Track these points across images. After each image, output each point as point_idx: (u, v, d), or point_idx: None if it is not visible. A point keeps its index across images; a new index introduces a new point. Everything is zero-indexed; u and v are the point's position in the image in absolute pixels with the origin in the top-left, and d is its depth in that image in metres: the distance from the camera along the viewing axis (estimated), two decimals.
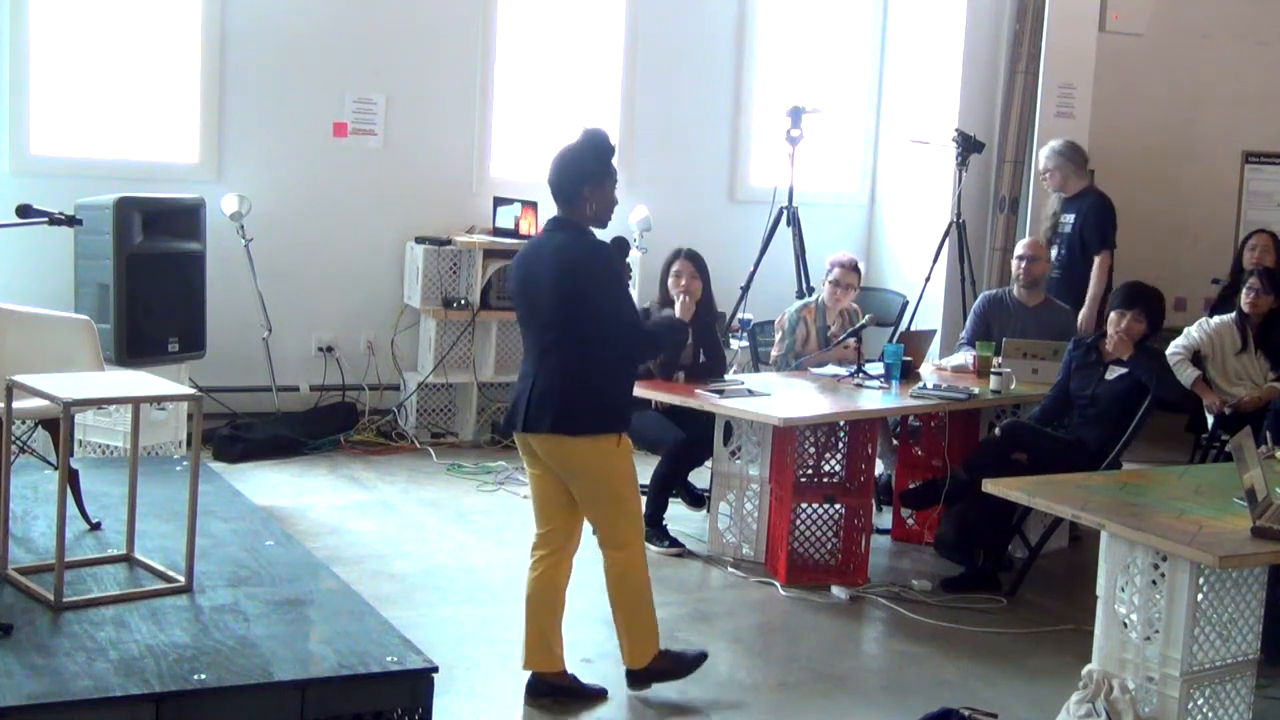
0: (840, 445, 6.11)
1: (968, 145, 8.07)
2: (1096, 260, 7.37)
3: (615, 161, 4.28)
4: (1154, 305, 5.84)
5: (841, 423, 5.98)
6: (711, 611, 5.37)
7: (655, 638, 4.42)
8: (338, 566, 5.01)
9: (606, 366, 4.22)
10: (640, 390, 6.04)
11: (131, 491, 4.38)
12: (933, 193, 8.63)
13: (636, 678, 4.42)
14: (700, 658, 4.54)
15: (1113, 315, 5.87)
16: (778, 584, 5.65)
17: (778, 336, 6.84)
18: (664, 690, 4.51)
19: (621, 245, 4.43)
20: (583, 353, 4.17)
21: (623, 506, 4.31)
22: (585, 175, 4.18)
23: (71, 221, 4.66)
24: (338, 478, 6.98)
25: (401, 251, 7.98)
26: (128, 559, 4.41)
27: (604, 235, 4.33)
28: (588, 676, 4.57)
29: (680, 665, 4.48)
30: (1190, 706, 3.98)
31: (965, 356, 6.78)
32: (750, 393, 5.87)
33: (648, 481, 6.21)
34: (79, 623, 3.85)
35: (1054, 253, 7.44)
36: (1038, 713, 4.43)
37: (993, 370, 6.29)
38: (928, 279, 8.12)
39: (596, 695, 4.40)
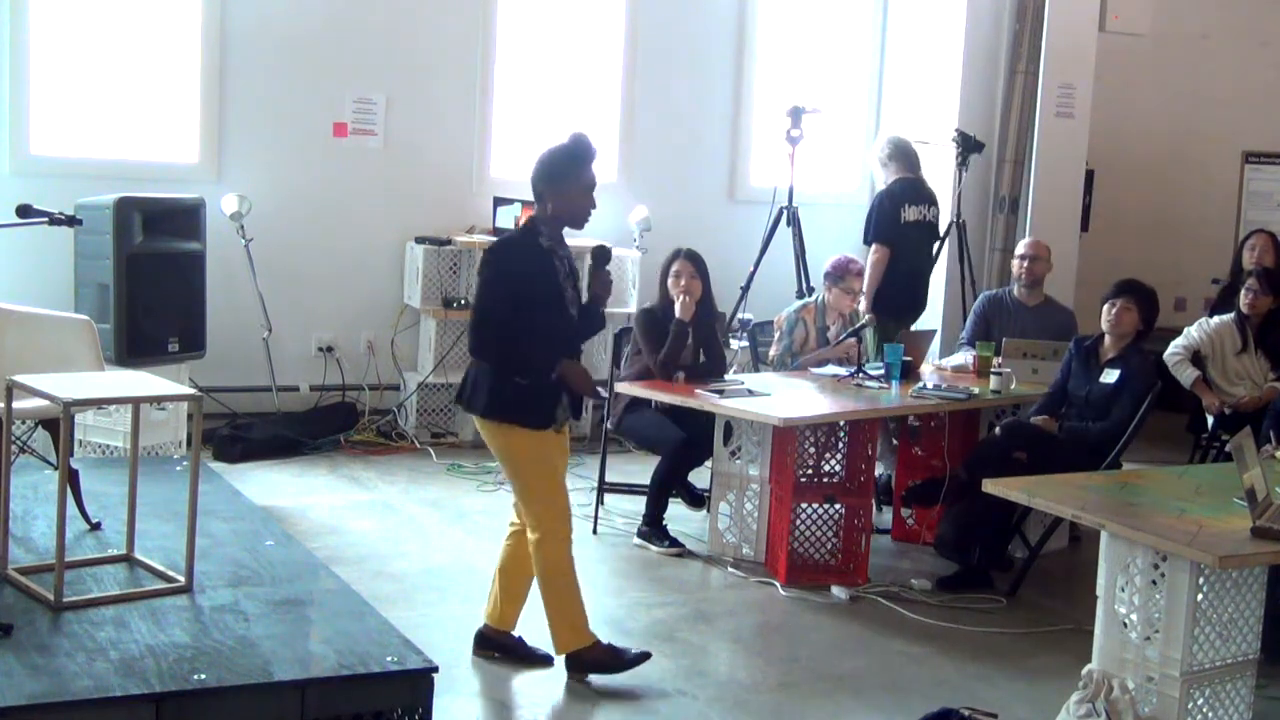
0: (840, 445, 6.11)
1: (968, 145, 8.08)
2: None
3: (596, 168, 4.36)
4: (1144, 296, 5.85)
5: (841, 423, 5.98)
6: (711, 611, 5.37)
7: (578, 629, 4.48)
8: (338, 566, 5.01)
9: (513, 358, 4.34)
10: (640, 390, 6.07)
11: (131, 491, 4.38)
12: None
13: (569, 664, 4.52)
14: (641, 657, 4.56)
15: (1105, 306, 5.89)
16: (778, 584, 5.65)
17: (775, 336, 6.84)
18: (665, 689, 4.52)
19: (602, 254, 4.49)
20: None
21: (530, 494, 4.42)
22: (546, 176, 4.33)
23: (71, 221, 4.66)
24: (338, 478, 6.98)
25: (401, 251, 7.98)
26: (128, 559, 4.40)
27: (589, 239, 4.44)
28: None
29: (617, 660, 4.52)
30: (1190, 706, 3.98)
31: (965, 356, 6.79)
32: (750, 393, 5.87)
33: (648, 481, 6.23)
34: (79, 623, 3.85)
35: None
36: (1038, 713, 4.43)
37: (993, 370, 6.29)
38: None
39: (541, 659, 4.59)
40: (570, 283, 4.42)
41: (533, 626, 4.67)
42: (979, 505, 5.39)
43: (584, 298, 4.52)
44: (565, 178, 4.31)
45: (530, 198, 4.46)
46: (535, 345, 4.31)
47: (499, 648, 4.61)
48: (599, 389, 4.53)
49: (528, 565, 4.52)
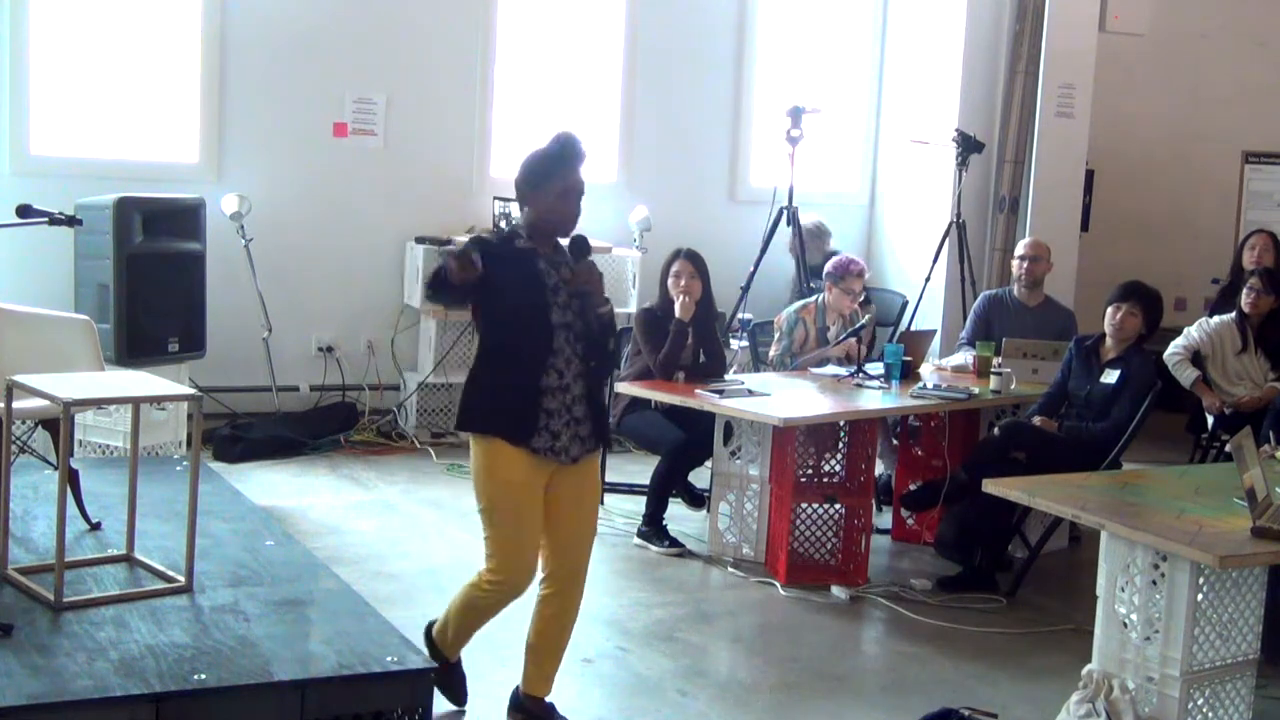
0: (840, 445, 6.11)
1: (968, 145, 8.08)
2: None
3: (585, 171, 3.97)
4: (1150, 302, 5.84)
5: (841, 423, 5.98)
6: (711, 611, 5.37)
7: (449, 648, 4.14)
8: (338, 566, 5.01)
9: (490, 360, 3.95)
10: (640, 390, 6.07)
11: (131, 491, 4.38)
12: (933, 193, 8.63)
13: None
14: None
15: (1109, 310, 5.88)
16: (778, 584, 5.65)
17: (775, 336, 6.84)
18: (665, 689, 4.52)
19: (580, 245, 4.00)
20: (481, 347, 4.00)
21: (491, 533, 3.96)
22: (527, 178, 3.96)
23: (71, 221, 4.66)
24: (338, 478, 6.98)
25: (401, 251, 7.98)
26: (128, 559, 4.40)
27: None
28: (588, 676, 4.59)
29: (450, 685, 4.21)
30: (1190, 706, 3.98)
31: (965, 356, 6.79)
32: (750, 393, 5.87)
33: (648, 481, 6.23)
34: (79, 623, 3.84)
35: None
36: (1038, 713, 4.43)
37: (993, 370, 6.29)
38: (928, 279, 8.12)
39: None
40: (564, 291, 3.96)
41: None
42: (979, 505, 5.39)
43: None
44: (546, 180, 3.93)
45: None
46: (518, 352, 3.92)
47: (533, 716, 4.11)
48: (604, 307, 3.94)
49: (554, 628, 4.08)
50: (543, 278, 3.93)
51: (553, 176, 3.94)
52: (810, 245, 7.99)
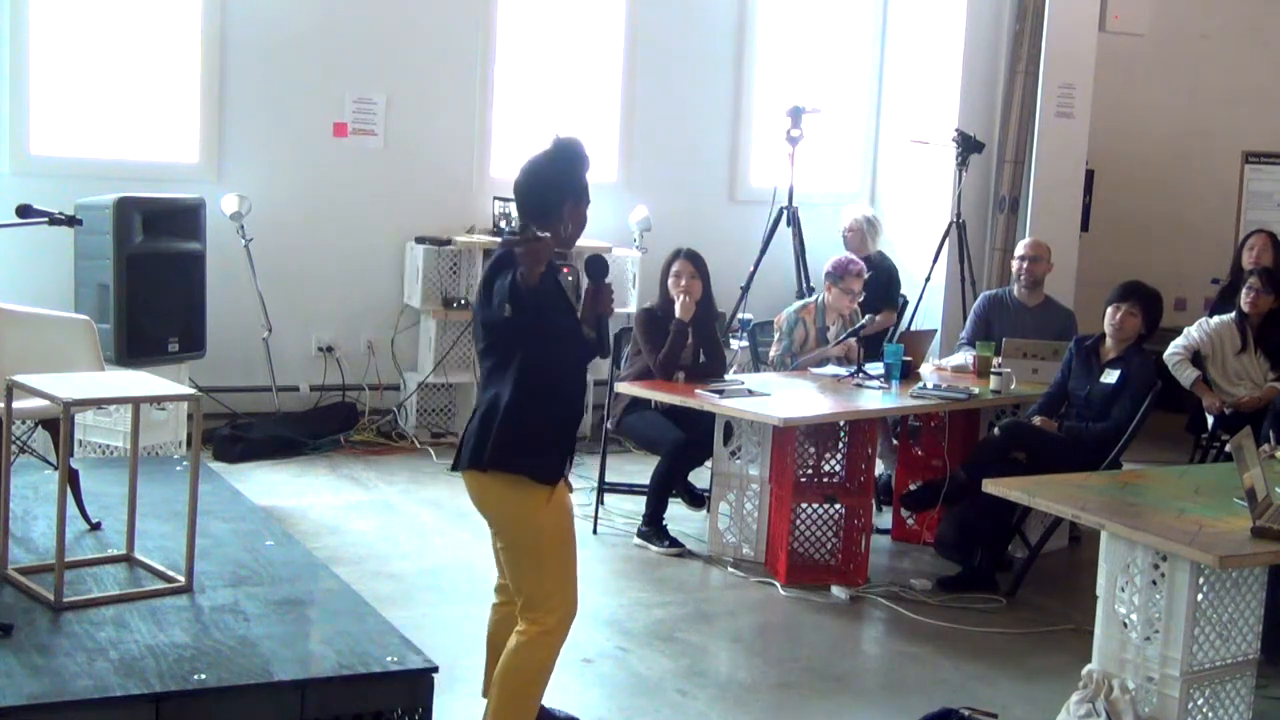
0: (840, 445, 6.11)
1: (968, 145, 8.08)
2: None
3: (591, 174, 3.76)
4: (1150, 302, 5.84)
5: (841, 423, 5.98)
6: (711, 611, 5.37)
7: None
8: (338, 566, 5.01)
9: (542, 389, 3.60)
10: (640, 390, 6.07)
11: (131, 491, 4.38)
12: (933, 193, 8.63)
13: None
14: None
15: (1109, 310, 5.88)
16: (778, 584, 5.66)
17: (775, 337, 6.84)
18: (666, 690, 4.51)
19: (599, 265, 3.72)
20: (517, 378, 3.57)
21: (544, 573, 3.64)
22: (566, 189, 3.63)
23: (71, 221, 4.66)
24: (338, 478, 6.98)
25: (401, 251, 7.98)
26: (128, 559, 4.40)
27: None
28: (588, 676, 4.59)
29: None
30: (1190, 706, 3.97)
31: (965, 356, 6.79)
32: (750, 393, 5.87)
33: (648, 481, 6.23)
34: (79, 623, 3.85)
35: None
36: (1038, 713, 4.43)
37: (993, 370, 6.29)
38: (928, 279, 8.12)
39: None
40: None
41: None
42: (979, 505, 5.39)
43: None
44: (583, 188, 3.67)
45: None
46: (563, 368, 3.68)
47: None
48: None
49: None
50: (569, 291, 3.76)
51: (586, 183, 3.70)
52: (869, 236, 7.85)
